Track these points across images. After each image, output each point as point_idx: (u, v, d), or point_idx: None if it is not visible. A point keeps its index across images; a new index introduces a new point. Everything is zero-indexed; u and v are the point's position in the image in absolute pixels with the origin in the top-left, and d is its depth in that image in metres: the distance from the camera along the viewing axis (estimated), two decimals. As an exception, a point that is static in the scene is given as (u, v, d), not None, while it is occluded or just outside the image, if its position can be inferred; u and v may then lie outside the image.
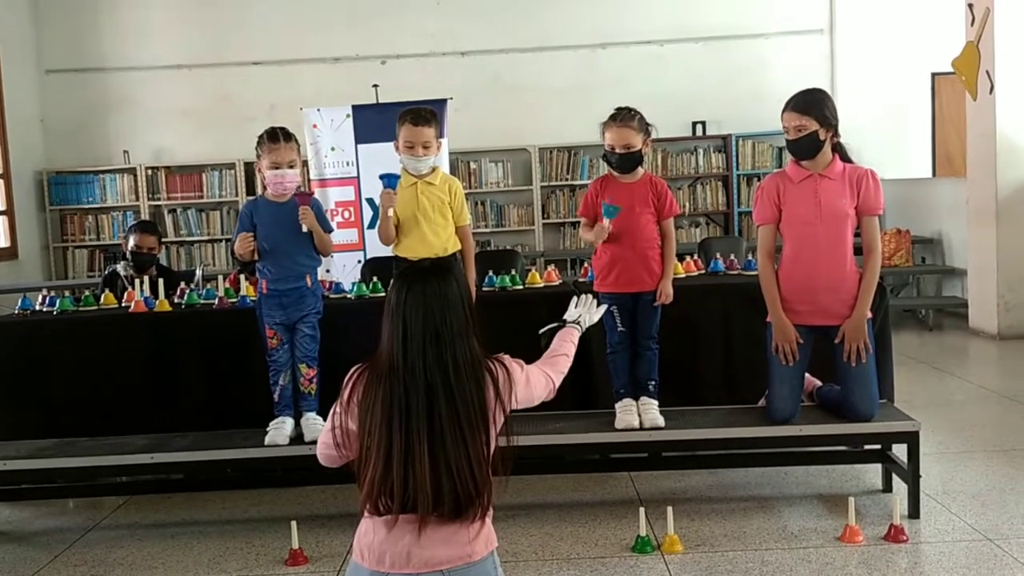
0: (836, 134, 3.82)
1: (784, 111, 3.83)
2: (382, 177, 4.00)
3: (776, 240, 3.92)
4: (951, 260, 8.55)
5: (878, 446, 4.03)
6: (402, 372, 2.07)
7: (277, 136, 3.92)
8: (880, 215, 3.89)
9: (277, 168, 3.90)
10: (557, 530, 3.79)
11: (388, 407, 2.06)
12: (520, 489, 4.16)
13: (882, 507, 3.86)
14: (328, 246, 4.07)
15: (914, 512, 3.73)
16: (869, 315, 3.84)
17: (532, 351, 4.32)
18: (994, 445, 4.69)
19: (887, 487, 4.05)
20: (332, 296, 4.61)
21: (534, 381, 2.40)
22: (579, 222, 4.53)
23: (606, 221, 3.86)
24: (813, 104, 3.79)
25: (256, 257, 3.99)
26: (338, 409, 2.19)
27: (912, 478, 3.74)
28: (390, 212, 3.97)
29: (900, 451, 3.88)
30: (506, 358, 2.26)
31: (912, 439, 3.75)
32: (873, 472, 4.21)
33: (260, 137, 3.97)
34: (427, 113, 4.08)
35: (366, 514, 2.14)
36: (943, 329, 8.14)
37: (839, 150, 3.87)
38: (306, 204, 3.91)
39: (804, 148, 3.79)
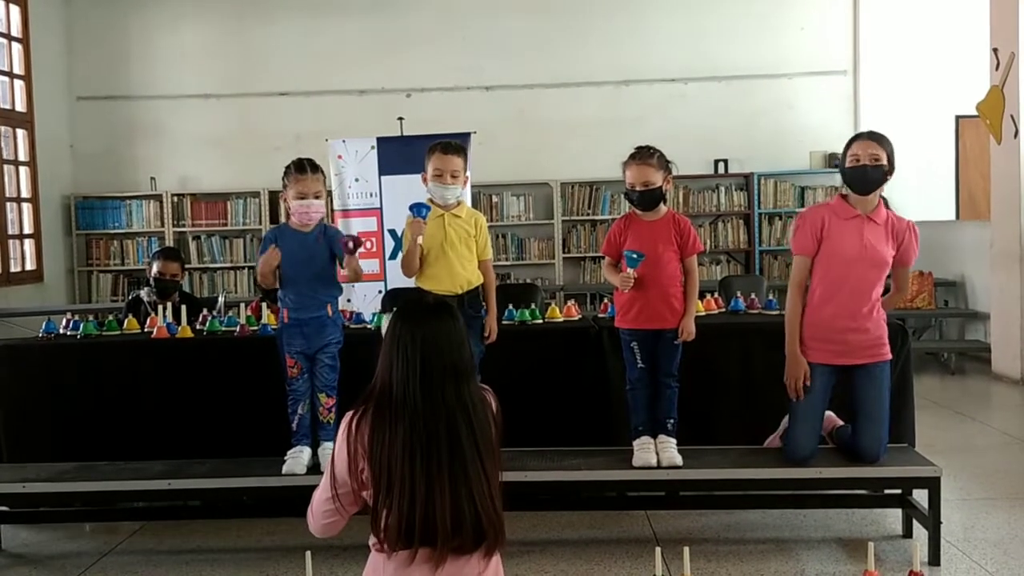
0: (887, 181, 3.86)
1: (858, 140, 3.85)
2: (412, 207, 4.00)
3: (807, 272, 3.91)
4: (974, 303, 8.48)
5: (898, 491, 4.00)
6: (422, 409, 2.08)
7: (304, 167, 3.97)
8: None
9: (303, 199, 3.95)
10: (572, 567, 3.76)
11: (409, 444, 2.07)
12: (535, 525, 4.14)
13: (902, 553, 3.81)
14: (359, 272, 4.08)
15: (934, 559, 3.67)
16: (890, 356, 3.84)
17: (551, 386, 4.36)
18: (1017, 492, 4.62)
19: (907, 533, 4.00)
20: (352, 326, 4.63)
21: None
22: (599, 257, 4.55)
23: (630, 270, 3.87)
24: (887, 142, 3.86)
25: (278, 284, 4.03)
26: (339, 465, 2.19)
27: (933, 524, 3.69)
28: (419, 240, 3.99)
29: (921, 496, 3.84)
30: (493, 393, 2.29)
31: (933, 484, 3.71)
32: (893, 517, 4.16)
33: (287, 167, 4.02)
34: (456, 144, 4.14)
35: (374, 550, 2.15)
36: (965, 373, 8.06)
37: (883, 200, 3.91)
38: (351, 254, 3.91)
39: (874, 179, 3.79)
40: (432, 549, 2.05)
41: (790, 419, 3.91)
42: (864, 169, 3.79)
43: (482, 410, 2.15)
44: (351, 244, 3.90)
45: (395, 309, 2.29)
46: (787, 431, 3.95)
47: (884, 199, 3.92)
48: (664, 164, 3.99)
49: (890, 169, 3.82)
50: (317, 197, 3.97)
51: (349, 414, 2.20)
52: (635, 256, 3.87)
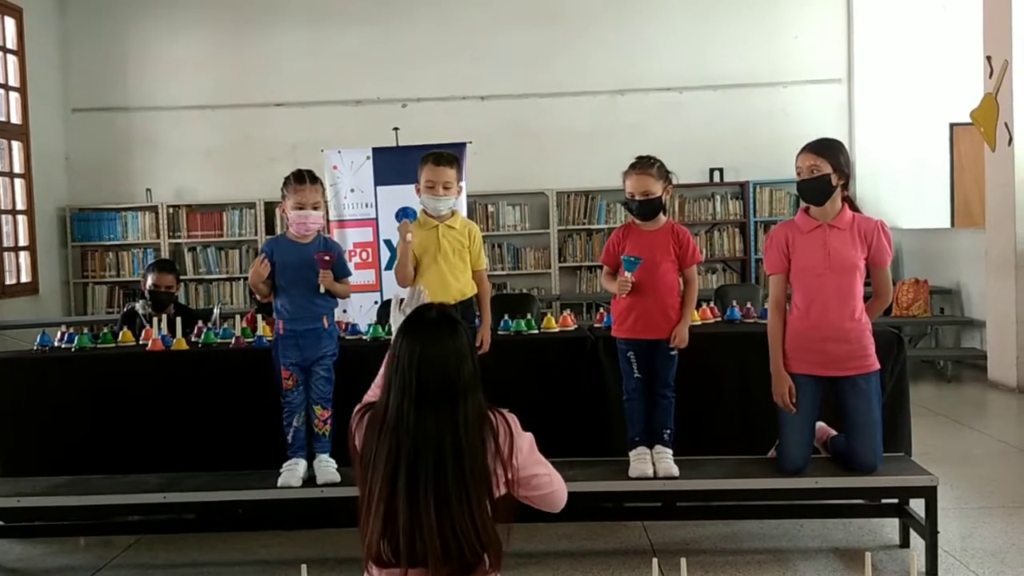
0: (847, 185, 3.88)
1: (800, 153, 3.88)
2: (399, 212, 4.02)
3: (786, 290, 3.92)
4: (970, 311, 8.49)
5: (895, 500, 3.99)
6: (412, 427, 2.05)
7: (303, 178, 3.98)
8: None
9: (301, 209, 3.96)
10: (569, 579, 3.75)
11: (394, 461, 2.04)
12: (531, 536, 4.12)
13: (899, 563, 3.80)
14: (345, 294, 4.11)
15: (932, 569, 3.66)
16: (877, 367, 3.84)
17: (547, 396, 4.35)
18: (1014, 501, 4.62)
19: (904, 542, 3.99)
20: (348, 337, 4.62)
21: (540, 459, 2.29)
22: (595, 266, 4.55)
23: (627, 274, 3.88)
24: (829, 148, 3.85)
25: (272, 295, 4.02)
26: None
27: (930, 534, 3.68)
28: (409, 238, 3.99)
29: (918, 506, 3.83)
30: (511, 417, 2.22)
31: (930, 494, 3.70)
32: (891, 527, 4.15)
33: (286, 178, 4.03)
34: (448, 155, 4.15)
35: (371, 566, 2.12)
36: (961, 381, 8.06)
37: (848, 203, 3.90)
38: (326, 268, 3.93)
39: (816, 189, 3.81)
40: (423, 571, 2.03)
41: (780, 432, 3.91)
42: (804, 183, 3.83)
43: (476, 431, 2.10)
44: (326, 257, 3.93)
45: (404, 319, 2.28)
46: (778, 444, 3.95)
47: (852, 202, 3.93)
48: (664, 174, 4.01)
49: (841, 175, 3.81)
50: (315, 208, 3.99)
51: (358, 406, 2.22)
52: (632, 260, 3.87)
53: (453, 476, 2.03)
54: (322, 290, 3.96)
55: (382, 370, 2.26)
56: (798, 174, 3.86)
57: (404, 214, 4.00)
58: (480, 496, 2.06)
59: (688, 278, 4.03)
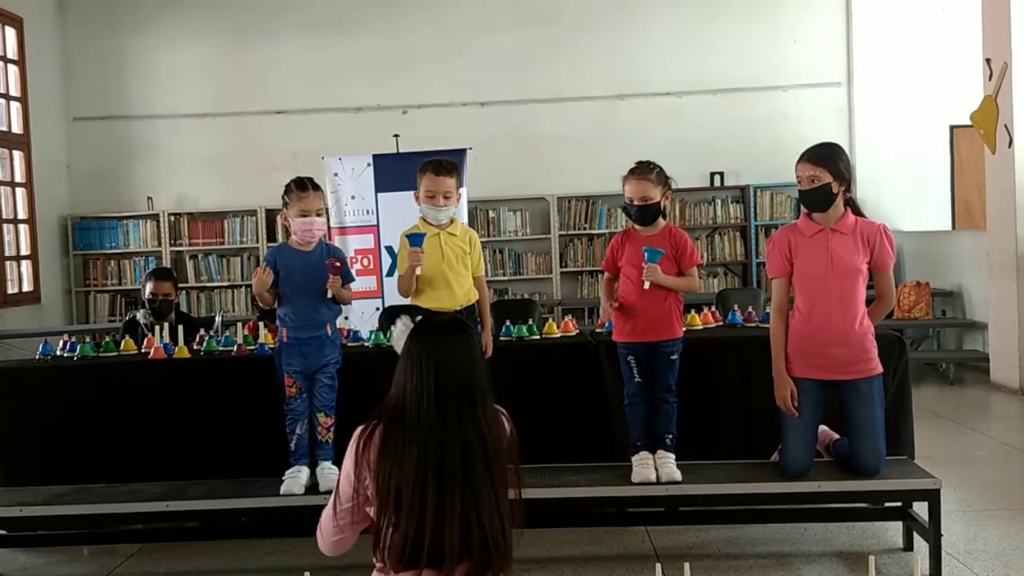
0: (849, 189, 3.86)
1: (798, 162, 3.87)
2: (410, 237, 4.02)
3: (789, 293, 3.92)
4: (972, 313, 8.48)
5: (898, 503, 3.98)
6: (437, 430, 2.07)
7: (306, 185, 4.00)
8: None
9: (306, 216, 3.97)
10: (572, 585, 3.75)
11: (423, 467, 2.06)
12: (535, 542, 4.12)
13: (903, 566, 3.79)
14: (347, 300, 4.12)
15: (936, 572, 3.65)
16: (880, 370, 3.84)
17: (549, 401, 4.35)
18: (1017, 503, 4.61)
19: (908, 545, 3.99)
20: (350, 344, 4.63)
21: None
22: (597, 271, 4.54)
23: (651, 264, 3.87)
24: (828, 157, 3.82)
25: (276, 304, 4.03)
26: (344, 480, 2.19)
27: (933, 537, 3.68)
28: (418, 271, 3.99)
29: (921, 508, 3.83)
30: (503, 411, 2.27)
31: (933, 497, 3.70)
32: (894, 530, 4.15)
33: (288, 186, 4.04)
34: (448, 163, 4.15)
35: (376, 570, 2.13)
36: (964, 383, 8.05)
37: (851, 205, 3.89)
38: (336, 274, 3.94)
39: (817, 199, 3.81)
40: (438, 572, 2.04)
41: (782, 436, 3.91)
42: (805, 193, 3.83)
43: (496, 433, 2.14)
44: (336, 264, 3.94)
45: (412, 326, 2.29)
46: (780, 448, 3.95)
47: (854, 204, 3.92)
48: (663, 180, 4.01)
49: (841, 182, 3.79)
50: (319, 215, 4.02)
51: (360, 428, 2.20)
52: (655, 250, 3.86)
53: (482, 477, 2.08)
54: (329, 295, 3.96)
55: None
56: (798, 183, 3.86)
57: (415, 241, 3.99)
58: (505, 491, 2.11)
59: (686, 275, 4.02)
